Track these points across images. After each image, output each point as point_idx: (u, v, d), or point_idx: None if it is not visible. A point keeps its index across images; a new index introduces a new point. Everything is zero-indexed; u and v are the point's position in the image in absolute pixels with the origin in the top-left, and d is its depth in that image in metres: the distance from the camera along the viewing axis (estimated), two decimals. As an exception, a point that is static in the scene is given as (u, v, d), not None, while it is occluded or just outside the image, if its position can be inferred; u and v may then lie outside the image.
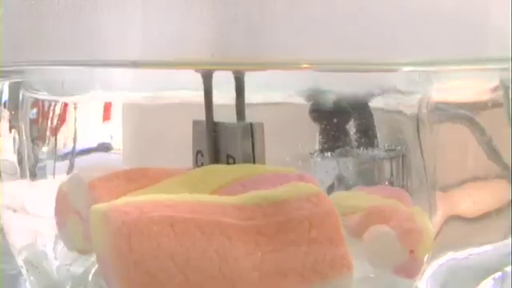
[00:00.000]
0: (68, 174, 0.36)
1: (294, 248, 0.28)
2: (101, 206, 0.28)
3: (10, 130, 0.36)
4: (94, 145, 0.36)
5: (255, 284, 0.28)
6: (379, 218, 0.31)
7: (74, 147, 0.36)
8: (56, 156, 0.36)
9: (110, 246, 0.27)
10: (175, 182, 0.32)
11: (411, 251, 0.31)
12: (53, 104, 0.36)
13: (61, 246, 0.33)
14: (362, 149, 0.35)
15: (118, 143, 0.36)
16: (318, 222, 0.29)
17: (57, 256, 0.34)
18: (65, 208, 0.33)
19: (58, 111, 0.36)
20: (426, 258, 0.32)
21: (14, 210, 0.35)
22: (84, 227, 0.32)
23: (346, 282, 0.29)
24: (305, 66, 0.32)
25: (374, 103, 0.35)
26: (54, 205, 0.33)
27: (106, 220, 0.27)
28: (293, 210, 0.29)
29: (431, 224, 0.32)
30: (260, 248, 0.28)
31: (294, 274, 0.28)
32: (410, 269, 0.32)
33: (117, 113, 0.36)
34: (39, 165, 0.35)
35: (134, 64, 0.32)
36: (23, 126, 0.36)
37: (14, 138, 0.36)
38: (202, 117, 0.34)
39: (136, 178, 0.32)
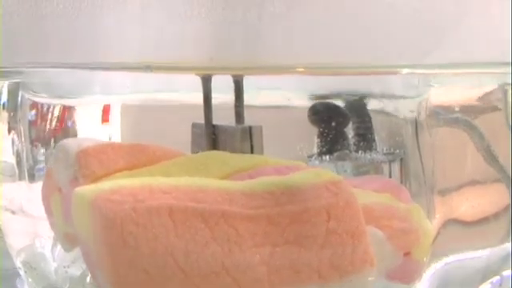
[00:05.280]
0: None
1: (310, 240, 0.26)
2: (87, 191, 0.25)
3: (9, 132, 0.36)
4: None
5: (262, 280, 0.26)
6: (367, 218, 0.28)
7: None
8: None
9: (99, 239, 0.25)
10: (174, 165, 0.30)
11: (406, 253, 0.29)
12: (52, 106, 0.36)
13: (59, 247, 0.33)
14: (360, 152, 0.35)
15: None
16: (338, 213, 0.26)
17: (55, 258, 0.34)
18: (49, 185, 0.31)
19: (56, 113, 0.36)
20: (424, 260, 0.31)
21: (13, 212, 0.35)
22: (63, 206, 0.30)
23: (366, 280, 0.27)
24: (303, 69, 0.32)
25: (372, 106, 0.35)
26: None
27: (95, 210, 0.25)
28: (309, 198, 0.26)
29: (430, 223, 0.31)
30: (270, 240, 0.26)
31: (309, 269, 0.26)
32: (405, 273, 0.30)
33: (115, 115, 0.36)
34: (38, 166, 0.35)
35: (133, 67, 0.32)
36: (22, 128, 0.36)
37: (13, 140, 0.36)
38: (201, 119, 0.34)
39: (134, 154, 0.30)
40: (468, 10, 0.31)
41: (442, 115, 0.34)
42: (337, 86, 0.35)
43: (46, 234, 0.34)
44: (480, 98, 0.36)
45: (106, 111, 0.36)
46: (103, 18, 0.31)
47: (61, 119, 0.36)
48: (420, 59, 0.31)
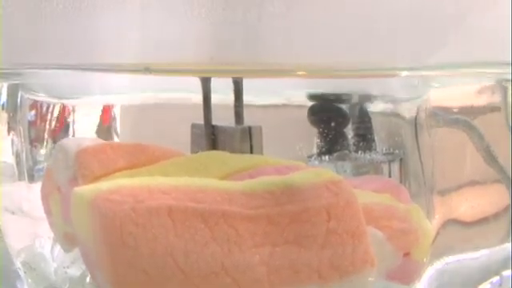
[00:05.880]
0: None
1: (310, 240, 0.26)
2: (86, 191, 0.25)
3: (9, 132, 0.36)
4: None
5: (262, 280, 0.25)
6: (366, 218, 0.27)
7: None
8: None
9: (98, 240, 0.25)
10: (174, 165, 0.30)
11: (406, 254, 0.29)
12: (51, 106, 0.36)
13: (58, 248, 0.33)
14: (359, 152, 0.35)
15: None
16: (338, 213, 0.26)
17: (54, 258, 0.34)
18: (48, 185, 0.31)
19: (56, 113, 0.36)
20: (424, 261, 0.31)
21: (12, 212, 0.35)
22: (63, 205, 0.29)
23: (367, 280, 0.27)
24: (303, 72, 0.32)
25: (372, 107, 0.36)
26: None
27: (94, 210, 0.25)
28: (309, 198, 0.26)
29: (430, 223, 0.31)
30: (270, 240, 0.26)
31: (309, 269, 0.26)
32: (405, 273, 0.30)
33: (115, 115, 0.36)
34: (37, 167, 0.35)
35: (132, 69, 0.32)
36: (21, 128, 0.36)
37: (13, 140, 0.36)
38: (201, 120, 0.34)
39: (133, 154, 0.30)
40: (468, 9, 0.31)
41: (442, 115, 0.34)
42: (337, 87, 0.35)
43: (45, 235, 0.34)
44: (479, 99, 0.36)
45: (105, 111, 0.36)
46: (103, 18, 0.31)
47: (60, 119, 0.36)
48: (420, 60, 0.31)
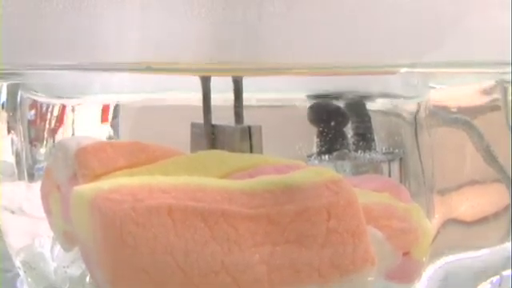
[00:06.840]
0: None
1: (310, 240, 0.26)
2: (86, 190, 0.25)
3: (8, 132, 0.36)
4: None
5: (262, 280, 0.25)
6: (366, 218, 0.27)
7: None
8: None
9: (98, 239, 0.25)
10: (173, 164, 0.29)
11: (406, 253, 0.29)
12: (51, 106, 0.36)
13: (58, 247, 0.33)
14: (359, 152, 0.35)
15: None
16: (338, 212, 0.26)
17: (54, 257, 0.34)
18: (48, 184, 0.31)
19: (56, 113, 0.36)
20: (424, 260, 0.31)
21: (12, 212, 0.35)
22: (62, 204, 0.29)
23: (366, 279, 0.27)
24: (303, 70, 0.32)
25: (372, 106, 0.36)
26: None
27: (94, 210, 0.25)
28: (309, 197, 0.26)
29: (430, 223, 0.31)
30: (270, 239, 0.26)
31: (309, 268, 0.26)
32: (404, 273, 0.30)
33: (115, 115, 0.36)
34: (37, 166, 0.35)
35: (133, 67, 0.32)
36: (21, 128, 0.36)
37: (12, 140, 0.36)
38: (200, 119, 0.34)
39: (133, 152, 0.29)
40: (468, 10, 0.31)
41: (442, 115, 0.34)
42: (337, 86, 0.35)
43: (45, 234, 0.34)
44: (479, 98, 0.36)
45: (105, 111, 0.36)
46: (103, 18, 0.31)
47: (60, 119, 0.36)
48: (420, 59, 0.31)
